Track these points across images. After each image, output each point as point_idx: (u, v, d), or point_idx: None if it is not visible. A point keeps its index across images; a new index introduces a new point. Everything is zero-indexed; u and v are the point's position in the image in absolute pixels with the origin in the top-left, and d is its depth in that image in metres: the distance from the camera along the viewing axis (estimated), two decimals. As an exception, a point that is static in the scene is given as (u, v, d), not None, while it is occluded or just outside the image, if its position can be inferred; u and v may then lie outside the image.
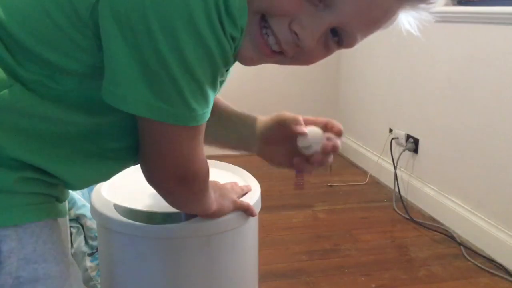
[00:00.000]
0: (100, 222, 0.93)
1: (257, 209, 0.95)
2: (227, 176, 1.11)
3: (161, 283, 0.89)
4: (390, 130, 2.87)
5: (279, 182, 2.96)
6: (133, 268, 0.90)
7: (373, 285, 1.87)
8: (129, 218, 0.86)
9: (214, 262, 0.90)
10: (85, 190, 1.59)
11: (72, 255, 1.49)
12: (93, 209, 0.93)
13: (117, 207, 0.89)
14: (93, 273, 1.51)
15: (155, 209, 0.88)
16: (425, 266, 2.01)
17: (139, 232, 0.85)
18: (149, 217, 0.86)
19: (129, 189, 0.98)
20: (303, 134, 0.82)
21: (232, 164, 1.23)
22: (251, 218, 0.92)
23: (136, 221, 0.85)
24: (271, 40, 0.64)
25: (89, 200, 1.43)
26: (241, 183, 1.03)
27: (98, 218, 0.92)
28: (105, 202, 0.91)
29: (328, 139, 0.87)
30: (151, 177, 0.69)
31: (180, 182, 0.68)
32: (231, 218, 0.89)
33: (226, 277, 0.94)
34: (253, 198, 0.97)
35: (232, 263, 0.93)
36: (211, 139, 0.92)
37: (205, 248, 0.89)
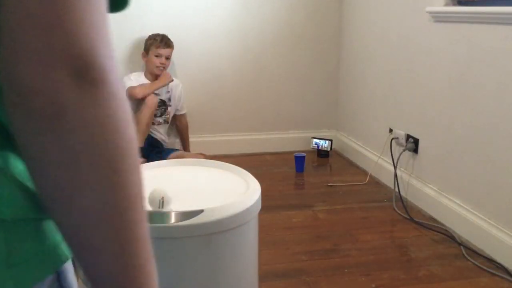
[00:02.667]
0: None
1: (257, 209, 0.95)
2: (228, 175, 1.11)
3: (161, 283, 0.89)
4: (390, 130, 2.87)
5: (279, 182, 2.96)
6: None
7: (373, 285, 1.87)
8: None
9: (215, 261, 0.90)
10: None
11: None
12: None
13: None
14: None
15: (156, 209, 0.88)
16: (425, 266, 2.01)
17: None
18: (149, 217, 0.86)
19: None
20: None
21: (233, 164, 1.22)
22: (251, 218, 0.92)
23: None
24: None
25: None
26: (241, 182, 1.03)
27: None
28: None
29: None
30: (18, 70, 0.36)
31: (76, 76, 0.37)
32: (232, 217, 0.89)
33: (227, 276, 0.94)
34: (253, 197, 0.97)
35: (233, 262, 0.93)
36: None
37: (206, 248, 0.89)
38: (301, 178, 3.06)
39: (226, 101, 3.48)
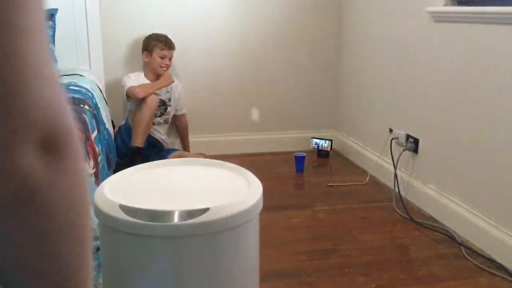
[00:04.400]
0: (104, 222, 0.93)
1: (258, 208, 0.95)
2: (230, 175, 1.11)
3: (166, 281, 0.89)
4: (390, 130, 2.88)
5: (279, 182, 2.96)
6: (138, 266, 0.90)
7: (373, 285, 1.87)
8: (134, 218, 0.86)
9: (219, 259, 0.90)
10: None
11: None
12: (97, 209, 0.93)
13: (122, 207, 0.89)
14: (93, 273, 1.51)
15: (160, 208, 0.88)
16: (425, 266, 2.01)
17: (145, 231, 0.85)
18: (154, 216, 0.87)
19: (131, 188, 0.98)
20: None
21: (234, 164, 1.23)
22: (254, 216, 0.92)
23: (141, 220, 0.85)
24: None
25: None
26: (243, 182, 1.03)
27: (102, 218, 0.92)
28: (109, 202, 0.91)
29: None
30: None
31: (42, 151, 0.34)
32: (237, 215, 0.89)
33: (231, 274, 0.94)
34: (255, 196, 0.97)
35: (236, 260, 0.94)
36: None
37: (211, 246, 0.89)
38: (301, 178, 3.06)
39: (226, 101, 3.48)
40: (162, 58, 3.07)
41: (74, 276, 0.39)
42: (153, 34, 3.12)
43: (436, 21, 2.43)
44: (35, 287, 0.38)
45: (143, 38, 3.15)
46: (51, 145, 0.34)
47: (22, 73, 0.32)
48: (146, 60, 3.10)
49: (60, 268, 0.38)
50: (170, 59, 3.11)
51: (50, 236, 0.36)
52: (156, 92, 3.05)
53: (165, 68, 3.10)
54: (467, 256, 2.07)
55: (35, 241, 0.35)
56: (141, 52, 3.15)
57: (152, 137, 3.13)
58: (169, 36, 3.13)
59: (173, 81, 3.13)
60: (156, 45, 3.06)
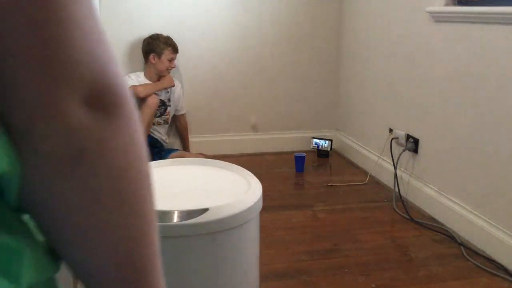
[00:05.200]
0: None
1: (258, 208, 0.95)
2: (230, 175, 1.11)
3: (165, 281, 0.89)
4: (390, 130, 2.88)
5: (279, 182, 2.96)
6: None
7: (373, 285, 1.87)
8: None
9: (219, 259, 0.90)
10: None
11: None
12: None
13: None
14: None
15: (159, 208, 0.88)
16: (425, 266, 2.01)
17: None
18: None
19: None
20: None
21: (234, 164, 1.23)
22: (254, 216, 0.92)
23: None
24: None
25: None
26: (243, 182, 1.03)
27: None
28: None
29: None
30: (31, 117, 0.32)
31: (92, 108, 0.34)
32: (236, 215, 0.89)
33: (231, 274, 0.94)
34: (255, 196, 0.97)
35: (236, 260, 0.94)
36: None
37: (210, 246, 0.89)
38: (301, 178, 3.06)
39: (226, 101, 3.48)
40: (170, 61, 3.10)
41: (137, 252, 0.38)
42: (158, 36, 3.11)
43: (436, 21, 2.43)
44: (96, 261, 0.37)
45: (143, 39, 3.15)
46: (100, 103, 0.34)
47: (64, 27, 0.32)
48: (153, 62, 3.10)
49: (119, 241, 0.37)
50: (174, 61, 3.16)
51: (104, 202, 0.35)
52: (156, 92, 3.06)
53: (170, 71, 3.14)
54: (467, 256, 2.07)
55: (90, 205, 0.35)
56: (141, 52, 3.15)
57: (152, 137, 3.14)
58: (169, 36, 3.13)
59: (174, 85, 3.17)
60: (165, 49, 3.08)
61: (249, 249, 0.97)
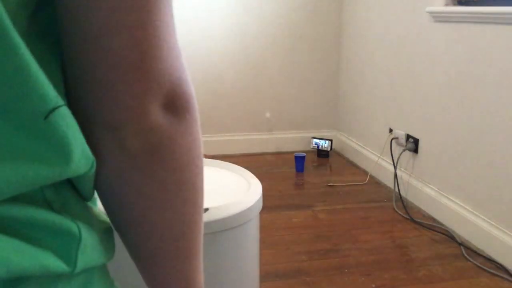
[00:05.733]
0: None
1: (258, 208, 0.95)
2: (230, 175, 1.11)
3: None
4: (390, 130, 2.88)
5: (279, 182, 2.96)
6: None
7: (373, 285, 1.87)
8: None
9: (219, 260, 0.90)
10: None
11: None
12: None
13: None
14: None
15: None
16: (425, 266, 2.01)
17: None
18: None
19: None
20: None
21: (234, 164, 1.23)
22: (254, 216, 0.92)
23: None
24: None
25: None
26: (243, 182, 1.03)
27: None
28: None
29: None
30: (116, 115, 0.37)
31: (168, 111, 0.39)
32: (236, 215, 0.89)
33: (231, 274, 0.94)
34: (255, 196, 0.97)
35: (236, 260, 0.94)
36: None
37: (210, 246, 0.89)
38: (301, 178, 3.06)
39: (226, 101, 3.48)
40: None
41: (188, 236, 0.44)
42: None
43: (436, 21, 2.43)
44: (154, 240, 0.43)
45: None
46: (174, 107, 0.39)
47: (155, 42, 0.37)
48: None
49: (176, 223, 0.43)
50: None
51: (169, 190, 0.41)
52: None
53: None
54: (467, 256, 2.07)
55: (158, 192, 0.40)
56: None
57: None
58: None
59: None
60: None
61: (249, 249, 0.97)
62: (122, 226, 0.43)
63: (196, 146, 0.42)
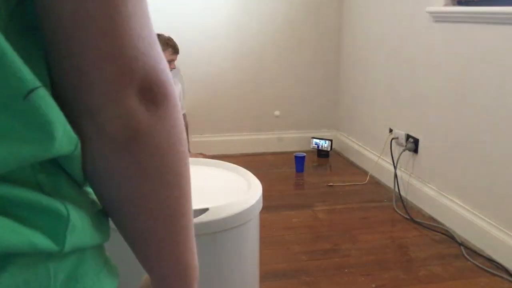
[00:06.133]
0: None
1: (258, 208, 0.95)
2: (230, 175, 1.11)
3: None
4: (390, 130, 2.88)
5: (279, 182, 2.96)
6: (138, 266, 0.90)
7: (373, 285, 1.87)
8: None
9: (219, 260, 0.90)
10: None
11: None
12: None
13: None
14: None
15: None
16: (425, 266, 2.01)
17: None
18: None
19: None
20: None
21: (234, 164, 1.23)
22: (254, 216, 0.92)
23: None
24: None
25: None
26: (243, 182, 1.03)
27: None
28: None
29: None
30: (93, 101, 0.39)
31: (144, 98, 0.40)
32: (236, 215, 0.89)
33: (230, 274, 0.94)
34: (255, 196, 0.97)
35: (236, 260, 0.94)
36: None
37: (211, 246, 0.89)
38: (301, 178, 3.06)
39: (226, 101, 3.48)
40: (170, 62, 3.10)
41: (174, 218, 0.46)
42: (159, 36, 3.11)
43: (436, 21, 2.43)
44: (141, 223, 0.45)
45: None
46: (151, 94, 0.41)
47: (124, 32, 0.38)
48: None
49: (161, 206, 0.45)
50: (174, 63, 3.15)
51: (149, 173, 0.43)
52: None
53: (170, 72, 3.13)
54: (467, 256, 2.07)
55: (141, 176, 0.42)
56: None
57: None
58: (170, 37, 3.13)
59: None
60: (166, 49, 3.08)
61: (249, 249, 0.97)
62: (109, 208, 0.45)
63: (176, 132, 0.43)
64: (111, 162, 0.42)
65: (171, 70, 3.13)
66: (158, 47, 0.42)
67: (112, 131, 0.40)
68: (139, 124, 0.40)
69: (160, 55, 0.42)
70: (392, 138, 2.82)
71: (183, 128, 0.45)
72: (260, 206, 0.99)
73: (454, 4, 2.39)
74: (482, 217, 2.16)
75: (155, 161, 0.43)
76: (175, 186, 0.45)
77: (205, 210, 0.91)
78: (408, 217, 2.45)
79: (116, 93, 0.39)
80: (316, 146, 3.48)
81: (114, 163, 0.42)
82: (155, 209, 0.45)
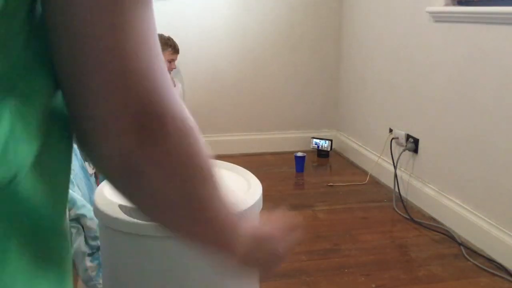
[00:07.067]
0: (104, 222, 0.93)
1: (258, 208, 0.95)
2: (229, 175, 1.11)
3: (166, 281, 0.89)
4: (390, 130, 2.88)
5: (279, 182, 2.96)
6: (138, 266, 0.90)
7: (373, 285, 1.87)
8: (133, 218, 0.86)
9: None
10: (85, 190, 1.59)
11: (72, 255, 1.49)
12: (97, 210, 0.93)
13: (122, 207, 0.89)
14: (93, 273, 1.51)
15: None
16: (425, 266, 2.01)
17: (144, 231, 0.85)
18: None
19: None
20: None
21: (234, 163, 1.22)
22: (254, 216, 0.92)
23: (141, 220, 0.85)
24: None
25: (89, 200, 1.43)
26: (243, 182, 1.03)
27: (101, 218, 0.92)
28: (108, 203, 0.92)
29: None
30: (95, 141, 0.39)
31: (141, 134, 0.39)
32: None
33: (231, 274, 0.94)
34: (254, 196, 0.97)
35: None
36: None
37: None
38: (301, 178, 3.06)
39: (226, 101, 3.48)
40: (170, 62, 3.09)
41: (198, 188, 0.46)
42: (159, 36, 3.11)
43: (436, 21, 2.43)
44: (168, 195, 0.44)
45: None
46: (149, 130, 0.39)
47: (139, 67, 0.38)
48: None
49: (184, 181, 0.44)
50: (175, 62, 3.15)
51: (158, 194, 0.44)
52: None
53: (170, 72, 3.12)
54: (467, 256, 2.07)
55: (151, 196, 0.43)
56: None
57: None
58: (170, 36, 3.13)
59: (174, 86, 3.15)
60: (166, 49, 3.07)
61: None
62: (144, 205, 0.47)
63: (188, 161, 0.43)
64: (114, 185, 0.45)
65: (171, 70, 3.12)
66: (163, 69, 0.41)
67: (110, 167, 0.41)
68: (136, 160, 0.40)
69: (164, 78, 0.41)
70: (392, 138, 2.81)
71: (197, 150, 0.43)
72: (260, 206, 0.99)
73: (454, 4, 2.39)
74: (482, 217, 2.16)
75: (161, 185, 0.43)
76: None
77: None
78: (408, 217, 2.45)
79: (115, 134, 0.39)
80: (316, 146, 3.47)
81: (124, 187, 0.44)
82: (178, 183, 0.44)
